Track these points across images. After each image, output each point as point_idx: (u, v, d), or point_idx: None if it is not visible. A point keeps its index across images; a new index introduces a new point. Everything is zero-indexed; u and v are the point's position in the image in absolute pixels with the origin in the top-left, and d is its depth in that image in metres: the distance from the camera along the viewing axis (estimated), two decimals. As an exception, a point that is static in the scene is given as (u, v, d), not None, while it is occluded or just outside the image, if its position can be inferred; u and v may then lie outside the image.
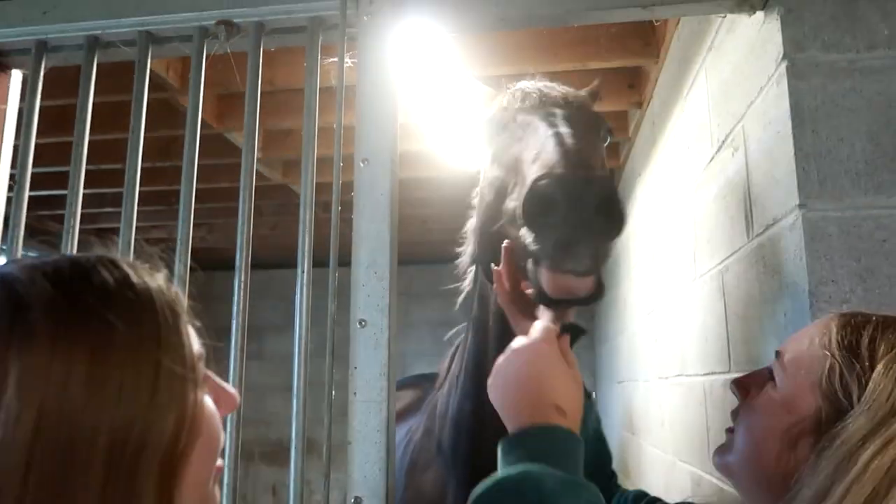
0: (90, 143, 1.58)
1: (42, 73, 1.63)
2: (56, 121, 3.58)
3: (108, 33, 1.54)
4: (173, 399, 0.66)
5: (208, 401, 0.72)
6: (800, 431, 0.80)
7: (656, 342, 2.82)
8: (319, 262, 1.26)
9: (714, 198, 1.85)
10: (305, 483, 1.17)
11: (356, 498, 1.05)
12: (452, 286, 2.04)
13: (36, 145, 1.63)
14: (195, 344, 0.72)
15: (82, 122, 1.58)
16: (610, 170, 4.49)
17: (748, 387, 0.93)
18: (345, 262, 1.25)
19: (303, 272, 1.24)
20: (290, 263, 1.27)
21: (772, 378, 0.89)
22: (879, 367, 0.76)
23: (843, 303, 1.16)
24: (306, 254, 1.27)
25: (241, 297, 1.24)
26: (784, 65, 1.32)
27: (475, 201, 1.85)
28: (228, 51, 1.51)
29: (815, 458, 0.75)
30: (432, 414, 1.95)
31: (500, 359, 1.00)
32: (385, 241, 1.17)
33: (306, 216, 1.26)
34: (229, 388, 0.77)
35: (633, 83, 3.26)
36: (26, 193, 1.57)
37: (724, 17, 1.70)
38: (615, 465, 1.65)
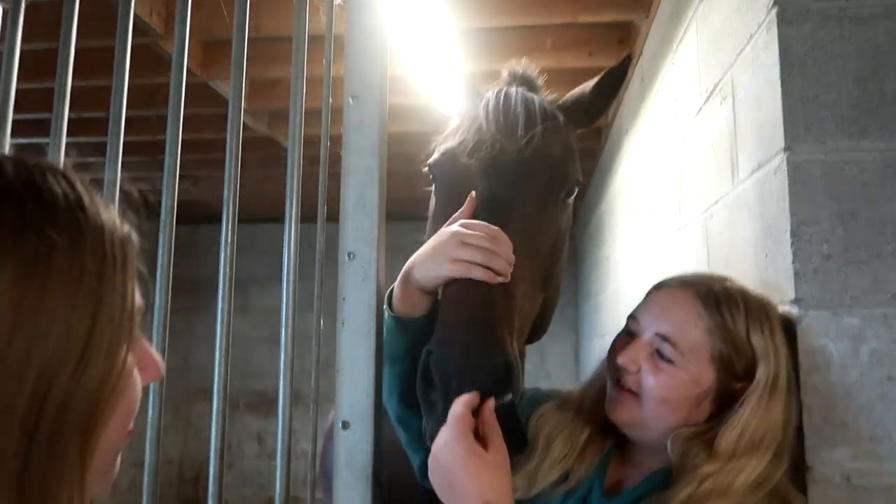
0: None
1: (23, 8, 1.58)
2: (34, 66, 3.49)
3: (92, -36, 1.49)
4: (105, 348, 0.57)
5: (132, 362, 0.62)
6: (704, 397, 1.12)
7: (640, 294, 2.87)
8: (304, 218, 1.25)
9: (700, 148, 1.86)
10: (292, 432, 1.20)
11: (344, 422, 1.07)
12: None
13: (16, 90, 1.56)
14: (137, 295, 0.62)
15: (65, 58, 1.54)
16: (597, 129, 4.49)
17: (637, 361, 1.13)
18: (332, 217, 1.24)
19: (291, 218, 1.21)
20: (275, 218, 1.25)
21: (660, 356, 1.12)
22: (757, 342, 1.09)
23: (823, 242, 1.18)
24: (294, 201, 1.25)
25: (229, 249, 1.18)
26: (774, 11, 1.32)
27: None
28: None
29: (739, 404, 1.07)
30: None
31: (430, 459, 1.00)
32: (373, 176, 1.17)
33: (295, 152, 1.25)
34: (156, 355, 0.68)
35: (623, 38, 3.24)
36: (7, 140, 1.52)
37: (718, -36, 1.69)
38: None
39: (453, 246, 1.11)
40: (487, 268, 1.09)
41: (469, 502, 0.95)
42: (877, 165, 1.20)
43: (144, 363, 0.65)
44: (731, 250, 1.55)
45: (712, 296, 1.13)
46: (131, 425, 0.65)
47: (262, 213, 5.37)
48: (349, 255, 1.14)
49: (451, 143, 1.38)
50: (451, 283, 1.12)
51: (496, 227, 1.14)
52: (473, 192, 1.24)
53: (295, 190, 1.23)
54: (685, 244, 2.01)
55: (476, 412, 1.02)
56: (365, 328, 1.11)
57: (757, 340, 1.10)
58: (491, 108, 1.35)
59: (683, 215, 2.05)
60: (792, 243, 1.19)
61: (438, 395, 1.07)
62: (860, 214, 1.19)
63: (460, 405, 1.00)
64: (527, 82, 1.50)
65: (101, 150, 1.47)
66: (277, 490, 1.17)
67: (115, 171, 1.37)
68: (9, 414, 0.52)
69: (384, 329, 1.20)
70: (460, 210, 1.23)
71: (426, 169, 1.45)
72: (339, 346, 1.11)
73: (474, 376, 1.04)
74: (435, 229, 1.31)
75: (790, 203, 1.21)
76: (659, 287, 1.24)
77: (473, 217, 1.20)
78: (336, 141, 1.22)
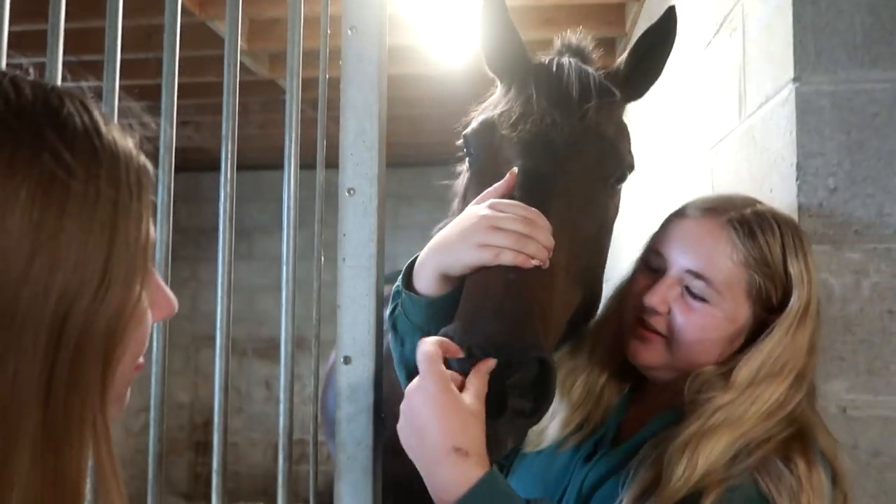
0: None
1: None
2: (25, 7, 3.41)
3: None
4: (123, 277, 0.57)
5: (145, 296, 0.62)
6: (739, 334, 1.05)
7: (642, 236, 2.86)
8: (306, 164, 1.22)
9: (708, 83, 1.82)
10: (297, 377, 1.20)
11: (345, 357, 1.08)
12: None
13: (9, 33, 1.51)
14: (151, 228, 0.61)
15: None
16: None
17: (667, 301, 1.06)
18: (332, 164, 1.21)
19: (290, 155, 1.19)
20: (279, 164, 1.22)
21: (691, 294, 1.04)
22: (794, 270, 1.02)
23: (829, 176, 1.17)
24: (294, 137, 1.22)
25: (229, 186, 1.15)
26: (788, -66, 1.27)
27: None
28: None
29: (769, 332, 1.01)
30: None
31: (402, 405, 0.90)
32: (373, 109, 1.15)
33: (294, 86, 1.22)
34: (169, 292, 0.67)
35: (632, -27, 3.14)
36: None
37: None
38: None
39: (482, 230, 0.98)
40: (520, 252, 0.97)
41: (436, 447, 0.84)
42: (887, 95, 1.17)
43: (157, 298, 0.65)
44: (737, 187, 1.53)
45: (746, 223, 1.03)
46: (141, 359, 0.65)
47: (266, 161, 5.32)
48: (349, 190, 1.13)
49: (492, 113, 1.23)
50: (480, 269, 1.00)
51: (533, 209, 1.01)
52: (515, 168, 1.11)
53: (295, 126, 1.21)
54: (690, 183, 1.99)
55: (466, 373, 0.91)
56: (366, 264, 1.11)
57: (794, 268, 1.02)
58: (542, 77, 1.21)
59: (688, 153, 2.02)
60: (797, 176, 1.17)
61: None
62: (868, 146, 1.17)
63: (429, 343, 0.89)
64: (580, 53, 1.34)
65: (99, 94, 1.44)
66: (281, 426, 1.19)
67: (111, 114, 1.34)
68: (32, 334, 0.52)
69: (397, 302, 1.11)
70: (494, 186, 1.09)
71: (461, 141, 1.30)
72: (339, 282, 1.11)
73: (501, 371, 0.91)
74: (465, 208, 1.16)
75: (797, 135, 1.18)
76: (681, 215, 1.12)
77: (511, 195, 1.07)
78: (335, 84, 1.18)
